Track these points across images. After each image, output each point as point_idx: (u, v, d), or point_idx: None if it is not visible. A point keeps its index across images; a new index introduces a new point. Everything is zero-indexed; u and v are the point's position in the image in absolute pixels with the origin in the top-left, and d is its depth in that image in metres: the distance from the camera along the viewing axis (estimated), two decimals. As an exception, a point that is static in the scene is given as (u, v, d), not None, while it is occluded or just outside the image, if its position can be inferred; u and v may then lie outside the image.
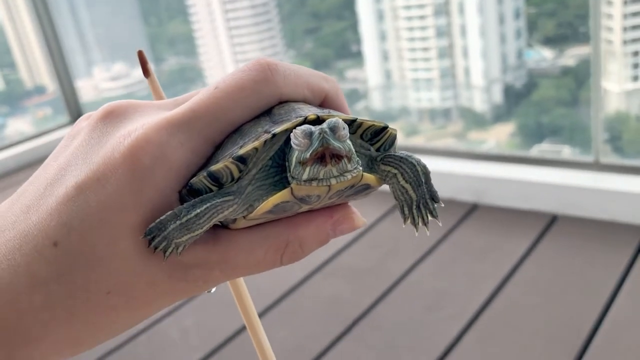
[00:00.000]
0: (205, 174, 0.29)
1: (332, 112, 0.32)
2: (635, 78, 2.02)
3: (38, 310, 0.28)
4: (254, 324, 0.39)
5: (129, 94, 3.27)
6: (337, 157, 0.28)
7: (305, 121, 0.30)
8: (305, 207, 0.31)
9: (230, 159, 0.29)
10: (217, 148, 0.31)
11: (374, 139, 0.32)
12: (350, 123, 0.31)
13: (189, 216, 0.29)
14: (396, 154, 0.32)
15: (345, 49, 2.92)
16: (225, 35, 2.94)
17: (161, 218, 0.29)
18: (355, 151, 0.30)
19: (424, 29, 2.51)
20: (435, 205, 0.32)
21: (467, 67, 2.48)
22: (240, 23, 2.93)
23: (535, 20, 2.46)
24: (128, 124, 0.31)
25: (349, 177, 0.29)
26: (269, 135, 0.29)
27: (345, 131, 0.28)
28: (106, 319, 0.30)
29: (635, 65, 2.02)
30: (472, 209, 1.92)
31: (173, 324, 1.59)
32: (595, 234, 1.70)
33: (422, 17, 2.51)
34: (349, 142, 0.28)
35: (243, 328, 1.53)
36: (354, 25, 2.70)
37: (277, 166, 0.30)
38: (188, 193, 0.30)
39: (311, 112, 0.30)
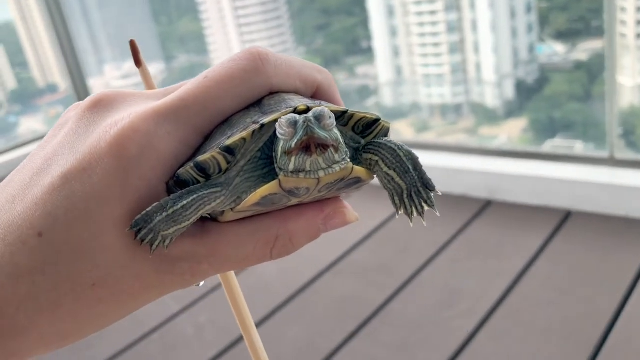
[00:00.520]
0: (192, 164, 0.29)
1: (324, 103, 0.31)
2: (649, 72, 2.00)
3: (22, 301, 0.28)
4: (244, 318, 0.38)
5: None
6: (322, 146, 0.27)
7: (295, 112, 0.29)
8: (294, 201, 0.30)
9: (218, 150, 0.28)
10: (206, 139, 0.30)
11: (366, 131, 0.31)
12: (341, 114, 0.30)
13: (175, 208, 0.28)
14: (377, 140, 0.31)
15: (355, 45, 2.92)
16: (235, 33, 2.94)
17: (147, 210, 0.28)
18: (346, 144, 0.30)
19: (434, 24, 2.50)
20: (432, 194, 0.30)
21: (479, 62, 2.47)
22: (250, 20, 2.93)
23: (547, 15, 2.44)
24: (115, 113, 0.30)
25: (338, 168, 0.28)
26: (257, 126, 0.29)
27: (331, 120, 0.27)
28: (92, 311, 0.29)
29: (650, 59, 1.99)
30: (485, 206, 1.91)
31: (187, 320, 1.59)
32: (610, 230, 1.69)
33: (432, 13, 2.50)
34: (336, 131, 0.28)
35: (256, 326, 1.53)
36: (364, 21, 2.70)
37: (267, 158, 0.30)
38: (175, 184, 0.29)
39: (301, 102, 0.30)
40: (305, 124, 0.26)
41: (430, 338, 1.41)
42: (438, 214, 0.31)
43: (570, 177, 1.82)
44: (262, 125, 0.29)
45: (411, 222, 0.31)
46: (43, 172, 0.29)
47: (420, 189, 0.30)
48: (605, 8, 1.75)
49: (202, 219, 0.30)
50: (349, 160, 0.29)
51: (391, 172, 0.31)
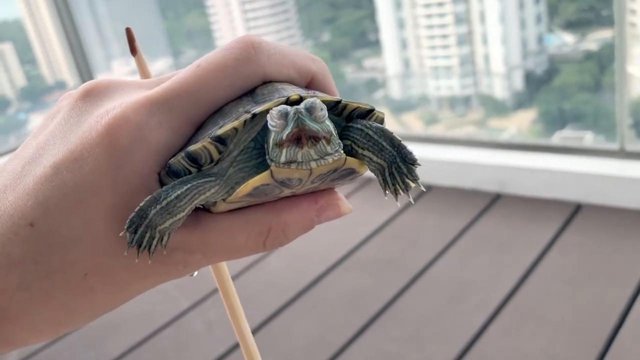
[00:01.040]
0: (183, 154, 0.28)
1: (317, 93, 0.31)
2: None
3: (14, 290, 0.28)
4: (235, 310, 0.38)
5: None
6: (314, 138, 0.26)
7: (288, 102, 0.28)
8: (287, 192, 0.29)
9: (209, 139, 0.28)
10: (199, 128, 0.30)
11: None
12: (335, 105, 0.30)
13: (169, 199, 0.28)
14: (355, 125, 0.30)
15: (363, 38, 2.90)
16: (242, 27, 2.94)
17: (140, 205, 0.28)
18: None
19: (442, 16, 2.48)
20: (414, 168, 0.29)
21: (487, 54, 2.45)
22: (257, 14, 2.93)
23: (555, 5, 2.42)
24: (107, 102, 0.30)
25: (330, 160, 0.27)
26: (249, 116, 0.28)
27: (323, 112, 0.27)
28: (84, 301, 0.29)
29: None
30: (495, 199, 1.91)
31: (197, 316, 1.60)
32: (621, 222, 1.68)
33: (440, 4, 2.48)
34: (328, 123, 0.27)
35: (266, 321, 1.53)
36: (371, 14, 2.68)
37: (260, 147, 0.29)
38: (167, 174, 0.29)
39: (294, 92, 0.29)
40: (296, 115, 0.26)
41: (441, 332, 1.41)
42: (423, 188, 0.29)
43: (580, 169, 1.81)
44: (254, 115, 0.28)
45: (397, 200, 0.30)
46: (34, 161, 0.29)
47: (400, 164, 0.29)
48: (614, -3, 1.73)
49: (195, 210, 0.30)
50: (342, 151, 0.28)
51: (367, 153, 0.30)
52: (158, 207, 0.28)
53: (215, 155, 0.29)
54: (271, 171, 0.28)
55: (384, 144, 0.29)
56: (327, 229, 1.86)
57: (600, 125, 2.20)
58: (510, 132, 2.48)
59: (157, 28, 3.40)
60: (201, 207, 0.30)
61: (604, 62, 2.20)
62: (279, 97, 0.29)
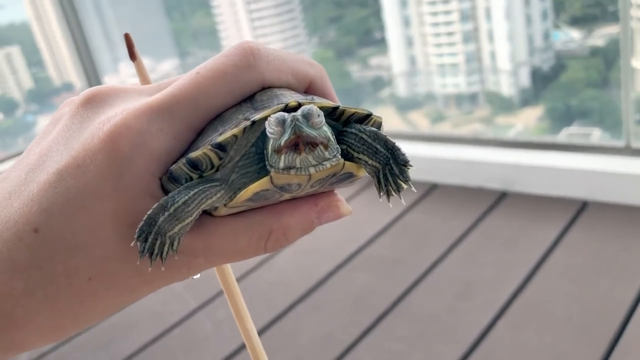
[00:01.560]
0: (184, 161, 0.29)
1: (316, 98, 0.31)
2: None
3: (19, 295, 0.28)
4: (240, 310, 0.39)
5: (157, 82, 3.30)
6: (311, 144, 0.27)
7: (286, 108, 0.29)
8: (287, 196, 0.30)
9: (209, 146, 0.28)
10: (199, 134, 0.30)
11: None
12: (333, 110, 0.30)
13: (176, 205, 0.28)
14: (351, 130, 0.30)
15: (368, 36, 2.90)
16: (248, 27, 2.94)
17: (148, 213, 0.28)
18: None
19: (448, 13, 2.48)
20: (406, 169, 0.30)
21: (493, 51, 2.45)
22: (262, 14, 2.93)
23: (562, 1, 2.41)
24: (108, 109, 0.30)
25: (328, 165, 0.28)
26: (248, 123, 0.28)
27: (320, 118, 0.27)
28: (88, 305, 0.30)
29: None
30: (501, 197, 1.90)
31: (206, 317, 1.61)
32: (627, 219, 1.67)
33: (445, 1, 2.48)
34: (325, 129, 0.27)
35: (274, 319, 1.54)
36: (377, 12, 2.68)
37: (261, 153, 0.29)
38: (168, 180, 0.30)
39: (293, 98, 0.30)
40: (293, 122, 0.26)
41: (448, 330, 1.42)
42: (414, 189, 0.30)
43: (586, 167, 1.80)
44: (254, 122, 0.29)
45: (389, 201, 0.30)
46: (38, 168, 0.30)
47: (393, 165, 0.30)
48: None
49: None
50: (339, 156, 0.29)
51: (362, 156, 0.30)
52: (166, 214, 0.28)
53: (216, 162, 0.29)
54: (271, 177, 0.28)
55: (378, 147, 0.30)
56: (334, 228, 1.86)
57: (607, 122, 2.19)
58: (517, 129, 2.47)
59: (163, 29, 3.41)
60: (204, 211, 0.30)
61: (610, 57, 2.19)
62: (278, 104, 0.29)
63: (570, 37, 2.38)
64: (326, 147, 0.27)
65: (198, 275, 0.33)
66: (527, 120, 2.47)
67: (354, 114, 0.31)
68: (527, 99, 2.50)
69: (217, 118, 0.30)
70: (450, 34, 2.50)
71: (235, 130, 0.28)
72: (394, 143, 0.30)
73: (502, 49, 2.42)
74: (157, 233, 0.28)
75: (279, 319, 1.54)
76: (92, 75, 3.09)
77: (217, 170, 0.30)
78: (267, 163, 0.28)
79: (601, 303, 1.40)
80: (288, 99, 0.30)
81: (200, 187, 0.29)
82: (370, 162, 0.30)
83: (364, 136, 0.30)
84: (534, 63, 2.44)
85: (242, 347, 1.47)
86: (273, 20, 2.93)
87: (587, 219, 1.71)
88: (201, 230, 0.30)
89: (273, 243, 0.31)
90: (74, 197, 0.28)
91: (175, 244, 0.29)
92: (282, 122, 0.27)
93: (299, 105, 0.29)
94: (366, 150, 0.30)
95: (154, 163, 0.29)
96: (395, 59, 2.68)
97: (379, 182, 0.30)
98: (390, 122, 2.76)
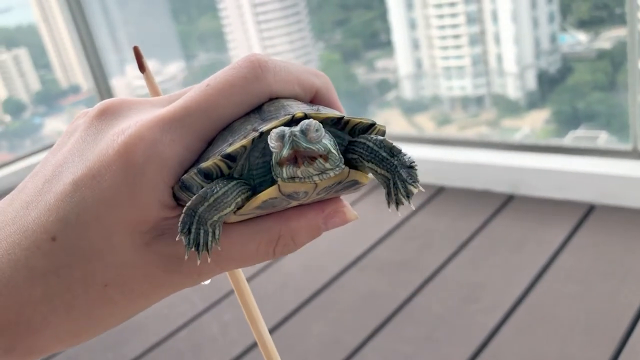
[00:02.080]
0: (195, 170, 0.30)
1: (321, 109, 0.32)
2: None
3: (38, 302, 0.29)
4: (251, 311, 0.39)
5: (164, 90, 3.31)
6: (309, 158, 0.28)
7: (293, 119, 0.30)
8: (294, 203, 0.31)
9: (219, 157, 0.30)
10: (209, 144, 0.31)
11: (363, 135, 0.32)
12: (337, 120, 0.31)
13: (216, 195, 0.29)
14: (360, 139, 0.32)
15: (374, 38, 2.91)
16: (254, 30, 2.95)
17: (188, 205, 0.29)
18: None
19: (454, 16, 2.48)
20: (414, 171, 0.30)
21: (500, 54, 2.45)
22: (269, 17, 2.94)
23: (568, 3, 2.41)
24: (122, 121, 0.31)
25: (331, 174, 0.29)
26: (257, 134, 0.30)
27: (318, 132, 0.28)
28: (104, 311, 0.31)
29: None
30: (507, 200, 1.90)
31: (213, 319, 1.61)
32: (634, 223, 1.67)
33: (452, 4, 2.48)
34: (325, 141, 0.28)
35: (281, 322, 1.54)
36: (383, 15, 2.69)
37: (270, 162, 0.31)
38: (180, 189, 0.31)
39: (300, 109, 0.31)
40: (291, 138, 0.28)
41: (454, 333, 1.42)
42: (422, 189, 0.31)
43: (593, 170, 1.80)
44: (262, 133, 0.30)
45: (397, 210, 0.31)
46: (54, 179, 0.31)
47: (401, 170, 0.31)
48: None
49: None
50: (342, 165, 0.30)
51: (371, 165, 0.31)
52: (206, 204, 0.29)
53: (226, 171, 0.30)
54: (278, 186, 0.29)
55: (384, 154, 0.31)
56: (342, 231, 1.86)
57: (614, 125, 2.19)
58: (523, 132, 2.47)
59: (169, 32, 3.42)
60: None
61: (617, 60, 2.19)
62: (285, 115, 0.30)
63: (577, 39, 2.38)
64: (326, 159, 0.29)
65: (208, 281, 0.34)
66: (534, 123, 2.47)
67: (358, 123, 0.32)
68: (534, 101, 2.50)
69: (227, 128, 0.31)
70: (456, 36, 2.51)
71: (244, 142, 0.30)
72: (400, 150, 0.31)
73: (509, 51, 2.42)
74: (198, 223, 0.29)
75: (286, 321, 1.55)
76: (99, 77, 3.10)
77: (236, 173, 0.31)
78: (273, 173, 0.30)
79: (608, 306, 1.39)
80: (294, 109, 0.31)
81: (237, 181, 0.30)
82: (379, 170, 0.31)
83: (370, 144, 0.31)
84: (541, 66, 2.44)
85: (249, 349, 1.47)
86: (279, 23, 2.94)
87: (594, 222, 1.71)
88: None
89: (281, 248, 0.32)
90: (90, 207, 0.29)
91: (217, 232, 0.30)
92: (281, 137, 0.28)
93: (305, 117, 0.30)
94: (374, 159, 0.31)
95: (167, 173, 0.30)
96: (402, 61, 2.69)
97: (389, 192, 0.31)
98: (396, 124, 2.76)
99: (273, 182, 0.30)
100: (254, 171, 0.31)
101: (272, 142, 0.28)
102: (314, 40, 3.01)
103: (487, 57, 2.49)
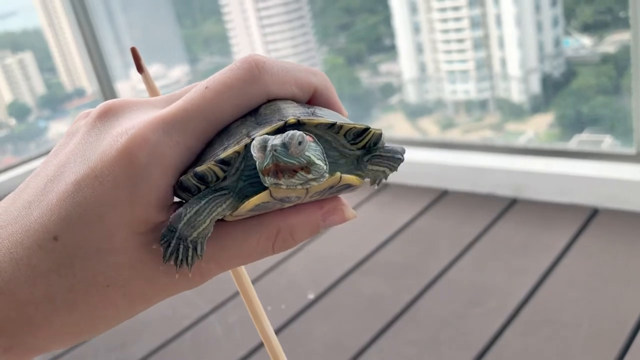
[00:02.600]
0: (192, 173, 0.31)
1: (317, 110, 0.33)
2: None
3: (39, 301, 0.29)
4: (256, 311, 0.40)
5: (166, 94, 3.32)
6: (291, 170, 0.28)
7: (286, 125, 0.30)
8: (287, 206, 0.32)
9: (213, 162, 0.30)
10: (207, 145, 0.32)
11: (358, 138, 0.33)
12: (331, 125, 0.32)
13: (189, 215, 0.30)
14: (382, 153, 0.33)
15: (378, 42, 2.91)
16: (258, 34, 2.96)
17: (170, 220, 0.30)
18: (341, 151, 0.32)
19: (458, 20, 2.48)
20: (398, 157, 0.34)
21: (504, 58, 2.45)
22: (272, 21, 2.95)
23: (572, 7, 2.41)
24: (124, 121, 0.31)
25: (315, 184, 0.30)
26: (249, 140, 0.30)
27: (301, 145, 0.28)
28: (105, 311, 0.31)
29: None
30: (511, 204, 1.90)
31: (217, 320, 1.61)
32: (638, 227, 1.66)
33: (456, 8, 2.48)
34: (307, 153, 0.29)
35: (285, 324, 1.54)
36: (387, 19, 2.69)
37: None
38: (179, 188, 0.31)
39: (294, 114, 0.31)
40: (271, 153, 0.28)
41: (458, 336, 1.41)
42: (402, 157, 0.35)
43: (596, 174, 1.80)
44: (254, 139, 0.30)
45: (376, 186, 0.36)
46: (56, 179, 0.31)
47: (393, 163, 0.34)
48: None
49: None
50: (327, 175, 0.30)
51: (388, 172, 0.35)
52: (182, 223, 0.30)
53: (220, 175, 0.31)
54: (270, 190, 0.30)
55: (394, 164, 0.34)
56: (345, 234, 1.87)
57: (618, 129, 2.18)
58: (527, 136, 2.47)
59: (174, 36, 3.43)
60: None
61: (622, 64, 2.19)
62: (279, 119, 0.31)
63: (581, 43, 2.38)
64: (308, 171, 0.29)
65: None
66: (538, 127, 2.47)
67: (351, 128, 0.32)
68: (538, 105, 2.50)
69: (224, 130, 0.32)
70: (460, 40, 2.51)
71: (236, 148, 0.30)
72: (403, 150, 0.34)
73: (513, 55, 2.42)
74: (178, 238, 0.30)
75: (290, 323, 1.55)
76: (104, 80, 3.11)
77: (223, 180, 0.31)
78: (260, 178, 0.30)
79: (611, 310, 1.39)
80: (289, 113, 0.31)
81: (210, 197, 0.31)
82: (388, 172, 0.34)
83: (399, 157, 0.34)
84: (545, 70, 2.44)
85: (254, 351, 1.47)
86: (283, 27, 2.95)
87: (598, 226, 1.70)
88: (212, 235, 0.32)
89: (280, 243, 0.33)
90: (92, 207, 0.29)
91: (199, 249, 0.31)
92: (263, 149, 0.28)
93: (298, 122, 0.31)
94: (394, 169, 0.34)
95: (170, 173, 0.31)
96: (405, 65, 2.69)
97: (379, 182, 0.35)
98: (400, 128, 2.76)
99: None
100: (249, 172, 0.31)
101: (254, 151, 0.29)
102: (318, 44, 3.01)
103: (491, 61, 2.49)
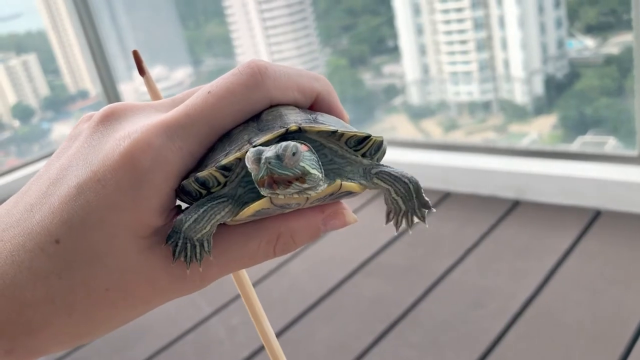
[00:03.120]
0: (193, 178, 0.31)
1: (319, 117, 0.33)
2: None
3: (40, 303, 0.29)
4: (257, 314, 0.40)
5: (169, 96, 3.32)
6: (286, 181, 0.28)
7: (287, 132, 0.31)
8: (288, 211, 0.32)
9: (215, 167, 0.30)
10: (209, 150, 0.32)
11: (359, 145, 0.33)
12: (332, 134, 0.32)
13: (188, 223, 0.30)
14: (391, 171, 0.33)
15: (381, 44, 2.91)
16: (261, 35, 2.96)
17: (175, 221, 0.30)
18: (348, 157, 0.33)
19: (461, 22, 2.48)
20: (426, 212, 0.34)
21: (507, 59, 2.44)
22: (276, 22, 2.95)
23: (576, 9, 2.40)
24: (127, 125, 0.31)
25: (312, 193, 0.30)
26: (250, 146, 0.30)
27: (295, 156, 0.28)
28: (105, 314, 0.31)
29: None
30: (513, 206, 1.90)
31: (220, 323, 1.61)
32: (642, 228, 1.66)
33: (459, 10, 2.48)
34: (302, 164, 0.29)
35: (287, 326, 1.54)
36: (390, 20, 2.69)
37: None
38: (180, 192, 0.31)
39: (295, 121, 0.31)
40: (265, 165, 0.28)
41: (460, 338, 1.41)
42: (427, 226, 0.35)
43: (599, 176, 1.79)
44: (255, 146, 0.30)
45: (397, 231, 0.35)
46: (59, 182, 0.31)
47: (417, 210, 0.34)
48: (633, 0, 1.72)
49: None
50: (323, 184, 0.30)
51: (398, 199, 0.34)
52: (185, 226, 0.30)
53: (222, 180, 0.31)
54: (270, 197, 0.30)
55: (414, 194, 0.34)
56: (347, 236, 1.86)
57: (622, 130, 2.18)
58: (530, 138, 2.47)
59: (177, 37, 3.44)
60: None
61: (625, 66, 2.18)
62: (280, 126, 0.31)
63: (585, 45, 2.37)
64: (303, 181, 0.29)
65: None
66: (541, 129, 2.46)
67: (352, 136, 0.32)
68: (541, 107, 2.49)
69: (226, 135, 0.32)
70: (463, 42, 2.50)
71: (238, 154, 0.30)
72: (422, 190, 0.34)
73: (516, 57, 2.42)
74: (185, 237, 0.30)
75: (292, 325, 1.55)
76: (107, 82, 3.12)
77: (224, 185, 0.32)
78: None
79: (614, 312, 1.39)
80: (291, 120, 0.31)
81: (208, 205, 0.31)
82: (400, 203, 0.34)
83: (411, 187, 0.34)
84: (548, 71, 2.43)
85: (255, 353, 1.47)
86: (286, 29, 2.95)
87: (601, 228, 1.70)
88: (213, 238, 0.32)
89: (281, 246, 0.33)
90: (94, 210, 0.29)
91: (206, 245, 0.31)
92: (257, 161, 0.28)
93: (299, 129, 0.31)
94: (405, 196, 0.34)
95: (172, 178, 0.31)
96: (408, 67, 2.69)
97: (395, 217, 0.35)
98: (403, 130, 2.76)
99: None
100: (249, 178, 0.31)
101: (248, 163, 0.29)
102: (321, 46, 3.01)
103: (494, 62, 2.48)
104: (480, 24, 2.44)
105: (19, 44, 3.43)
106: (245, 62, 0.32)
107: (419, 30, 2.57)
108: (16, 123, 3.42)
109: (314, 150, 0.30)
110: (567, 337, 1.34)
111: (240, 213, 0.31)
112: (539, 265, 1.59)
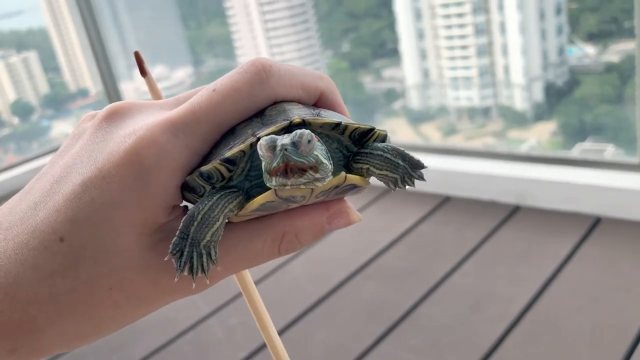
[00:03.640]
0: (197, 173, 0.31)
1: (323, 112, 0.33)
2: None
3: (43, 302, 0.29)
4: (262, 317, 0.40)
5: (170, 95, 3.32)
6: (300, 169, 0.28)
7: (291, 124, 0.30)
8: (294, 205, 0.32)
9: (219, 161, 0.30)
10: (213, 147, 0.32)
11: (363, 139, 0.33)
12: (336, 125, 0.32)
13: (202, 212, 0.30)
14: (364, 149, 0.33)
15: (382, 48, 2.91)
16: (262, 37, 2.96)
17: (180, 227, 0.30)
18: (340, 152, 0.32)
19: (462, 27, 2.48)
20: (422, 171, 0.33)
21: (507, 65, 2.45)
22: (277, 24, 2.95)
23: (577, 16, 2.41)
24: (131, 123, 0.31)
25: (320, 184, 0.29)
26: (254, 139, 0.30)
27: (310, 144, 0.28)
28: (108, 314, 0.31)
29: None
30: (513, 211, 1.90)
31: (218, 323, 1.61)
32: (642, 235, 1.67)
33: (460, 15, 2.48)
34: (316, 153, 0.29)
35: (286, 327, 1.54)
36: (391, 24, 2.69)
37: None
38: (184, 189, 0.31)
39: (299, 114, 0.31)
40: (282, 152, 0.28)
41: (459, 342, 1.41)
42: (425, 180, 0.33)
43: (599, 182, 1.80)
44: (259, 138, 0.30)
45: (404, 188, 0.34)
46: (63, 179, 0.31)
47: (411, 172, 0.33)
48: (635, 8, 1.73)
49: None
50: (330, 175, 0.30)
51: (384, 172, 0.33)
52: (195, 223, 0.30)
53: (226, 174, 0.31)
54: (275, 190, 0.30)
55: (399, 162, 0.32)
56: (348, 238, 1.87)
57: (621, 138, 2.18)
58: (530, 144, 2.47)
59: (178, 37, 3.44)
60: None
61: (626, 74, 2.19)
62: (284, 120, 0.31)
63: (585, 52, 2.38)
64: (316, 170, 0.29)
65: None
66: (541, 135, 2.47)
67: (356, 128, 0.32)
68: (541, 113, 2.50)
69: (229, 132, 0.32)
70: (464, 47, 2.51)
71: (242, 146, 0.30)
72: (410, 154, 0.33)
73: (516, 63, 2.42)
74: (191, 245, 0.30)
75: (291, 326, 1.55)
76: (108, 81, 3.12)
77: (230, 179, 0.31)
78: (263, 179, 0.30)
79: (613, 319, 1.39)
80: (294, 114, 0.31)
81: (221, 193, 0.30)
82: (390, 175, 0.33)
83: (388, 155, 0.32)
84: (548, 78, 2.44)
85: (254, 353, 1.47)
86: (288, 31, 2.95)
87: (600, 234, 1.70)
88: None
89: (286, 245, 0.33)
90: (99, 208, 0.29)
91: (213, 254, 0.30)
92: (272, 148, 0.28)
93: (303, 122, 0.31)
94: (389, 167, 0.33)
95: (177, 175, 0.31)
96: (409, 71, 2.69)
97: (395, 186, 0.33)
98: (403, 134, 2.76)
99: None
100: (255, 172, 0.31)
101: (261, 150, 0.28)
102: (322, 48, 3.02)
103: (494, 68, 2.49)
104: (481, 30, 2.45)
105: (20, 41, 3.43)
106: (249, 60, 0.32)
107: (420, 35, 2.57)
108: (15, 120, 3.42)
109: (322, 142, 0.30)
110: (566, 343, 1.34)
111: (246, 206, 0.31)
112: (538, 270, 1.60)
